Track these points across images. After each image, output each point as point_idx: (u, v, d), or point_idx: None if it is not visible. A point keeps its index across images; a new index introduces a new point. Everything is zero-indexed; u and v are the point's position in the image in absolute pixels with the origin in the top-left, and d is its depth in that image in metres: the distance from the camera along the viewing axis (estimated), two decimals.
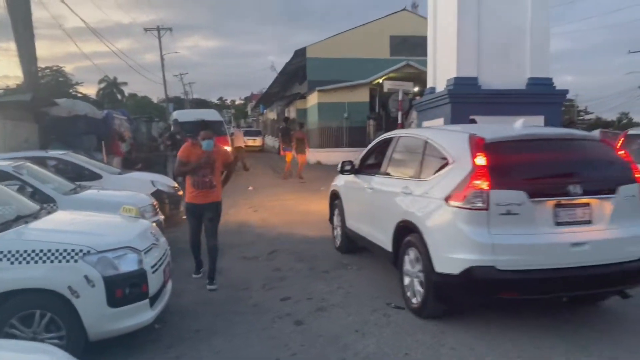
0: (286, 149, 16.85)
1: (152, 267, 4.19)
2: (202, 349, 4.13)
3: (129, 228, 4.56)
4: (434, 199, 4.57)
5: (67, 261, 3.76)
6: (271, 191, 13.75)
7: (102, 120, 14.20)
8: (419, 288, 4.66)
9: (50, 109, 13.14)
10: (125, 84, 56.26)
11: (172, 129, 18.83)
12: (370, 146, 6.96)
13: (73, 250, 3.79)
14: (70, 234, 4.13)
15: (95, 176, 8.45)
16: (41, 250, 3.73)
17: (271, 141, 38.07)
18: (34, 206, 4.75)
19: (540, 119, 12.15)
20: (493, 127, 5.50)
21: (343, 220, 6.96)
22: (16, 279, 3.68)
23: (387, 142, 6.20)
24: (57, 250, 3.75)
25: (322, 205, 8.89)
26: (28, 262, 3.69)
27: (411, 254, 4.80)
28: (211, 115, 18.26)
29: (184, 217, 6.61)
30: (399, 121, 16.08)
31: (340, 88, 26.50)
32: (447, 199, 4.38)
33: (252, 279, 5.99)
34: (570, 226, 4.26)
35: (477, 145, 4.41)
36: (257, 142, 36.20)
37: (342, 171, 6.78)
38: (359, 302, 5.10)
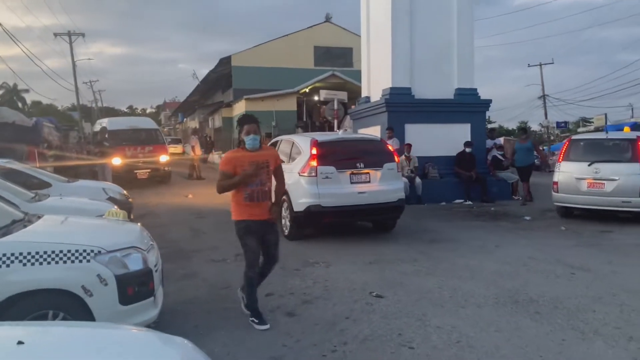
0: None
1: (155, 266, 4.34)
2: (207, 342, 4.31)
3: (127, 230, 4.66)
4: (294, 173, 8.22)
5: (80, 261, 3.83)
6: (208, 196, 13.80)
7: (31, 128, 13.58)
8: (287, 223, 8.37)
9: None
10: (26, 91, 52.82)
11: (98, 137, 18.24)
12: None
13: (84, 250, 3.87)
14: (77, 235, 4.18)
15: (44, 184, 8.23)
16: (53, 252, 3.78)
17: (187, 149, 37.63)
18: (19, 212, 4.70)
19: (467, 126, 13.25)
20: (325, 134, 10.55)
21: None
22: (30, 280, 3.70)
23: (276, 142, 9.95)
24: (69, 251, 3.82)
25: None
26: (41, 264, 3.73)
27: (284, 205, 8.32)
28: (146, 123, 17.91)
29: None
30: (335, 128, 16.71)
31: (267, 97, 26.80)
32: (299, 172, 8.18)
33: (229, 279, 6.16)
34: (359, 184, 8.11)
35: (314, 143, 8.20)
36: (177, 149, 35.68)
37: None
38: (339, 294, 5.49)
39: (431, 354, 3.96)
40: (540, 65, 43.84)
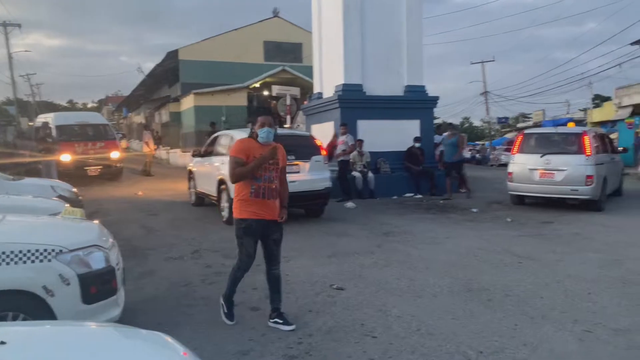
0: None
1: (117, 264, 4.29)
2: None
3: (87, 228, 4.57)
4: None
5: (41, 261, 3.74)
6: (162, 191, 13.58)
7: None
8: (226, 212, 9.16)
9: None
10: None
11: (40, 133, 17.49)
12: (208, 140, 11.36)
13: (45, 250, 3.78)
14: (36, 234, 4.07)
15: None
16: (12, 252, 3.67)
17: (138, 145, 36.61)
18: None
19: (416, 122, 13.60)
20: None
21: (194, 187, 11.50)
22: None
23: (216, 137, 10.86)
24: (29, 251, 3.72)
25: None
26: (0, 264, 3.63)
27: (224, 195, 9.32)
28: (96, 118, 17.32)
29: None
30: (288, 124, 16.75)
31: (217, 91, 26.48)
32: None
33: (188, 276, 6.14)
34: (289, 174, 8.08)
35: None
36: (122, 144, 34.74)
37: (193, 155, 11.84)
38: (301, 288, 5.58)
39: (394, 342, 4.12)
40: (482, 62, 45.29)
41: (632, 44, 29.76)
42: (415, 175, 13.15)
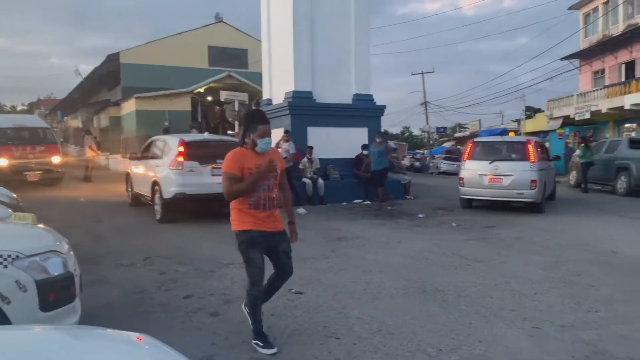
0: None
1: (75, 270, 4.17)
2: None
3: (42, 233, 4.41)
4: (165, 167, 9.99)
5: None
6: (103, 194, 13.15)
7: None
8: (159, 209, 10.02)
9: None
10: None
11: None
12: (145, 144, 11.95)
13: (1, 255, 3.64)
14: None
15: None
16: None
17: (76, 150, 35.22)
18: None
19: (364, 130, 13.88)
20: (191, 135, 13.15)
21: (131, 188, 12.10)
22: None
23: (152, 141, 11.54)
24: None
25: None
26: None
27: (157, 194, 10.04)
28: (35, 121, 16.47)
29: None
30: (236, 130, 16.61)
31: (160, 96, 25.93)
32: (169, 166, 9.87)
33: (142, 283, 6.01)
34: (218, 176, 8.75)
35: (181, 142, 9.96)
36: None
37: (130, 158, 12.48)
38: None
39: (357, 342, 4.21)
40: (422, 73, 46.69)
41: (561, 59, 31.66)
42: (364, 182, 13.40)
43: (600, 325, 4.60)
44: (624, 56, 27.29)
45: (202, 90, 26.94)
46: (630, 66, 27.16)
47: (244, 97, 16.69)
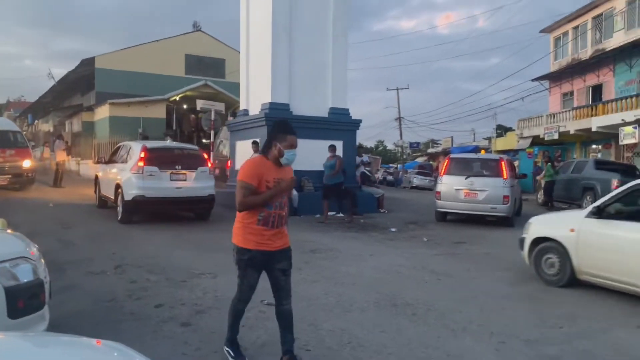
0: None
1: (45, 277, 4.12)
2: None
3: (12, 239, 4.35)
4: (127, 170, 10.63)
5: None
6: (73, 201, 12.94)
7: None
8: (120, 209, 10.66)
9: None
10: None
11: None
12: (114, 149, 12.85)
13: None
14: None
15: None
16: None
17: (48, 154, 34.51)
18: None
19: (339, 143, 14.00)
20: (154, 142, 12.85)
21: (99, 191, 12.70)
22: None
23: (119, 146, 12.41)
24: None
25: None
26: None
27: (120, 196, 10.58)
28: (5, 124, 16.10)
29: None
30: (211, 139, 16.59)
31: (134, 102, 25.68)
32: (130, 169, 10.53)
33: (113, 291, 5.95)
34: (177, 181, 10.59)
35: (143, 148, 10.71)
36: (46, 154, 32.65)
37: (98, 162, 13.68)
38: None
39: (327, 354, 4.27)
40: (397, 89, 47.34)
41: (532, 80, 32.51)
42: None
43: (563, 341, 4.74)
44: (591, 80, 28.16)
45: (177, 98, 26.78)
46: (597, 89, 28.04)
47: (221, 106, 16.69)
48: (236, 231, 3.86)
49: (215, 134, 17.59)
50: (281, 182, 3.71)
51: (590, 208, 6.30)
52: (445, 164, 12.91)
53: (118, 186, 10.82)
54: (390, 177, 38.43)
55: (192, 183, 10.73)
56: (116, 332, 4.64)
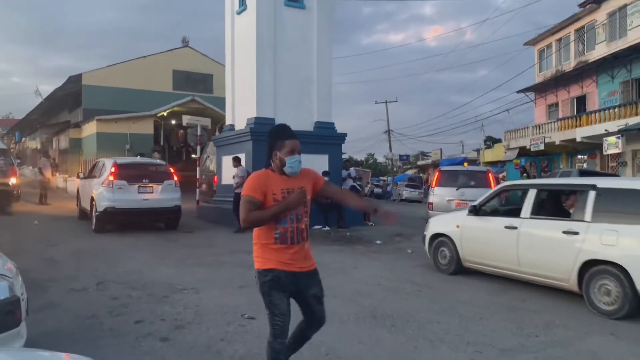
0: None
1: (21, 294, 4.14)
2: None
3: None
4: (100, 184, 11.67)
5: None
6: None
7: None
8: (94, 220, 11.68)
9: None
10: None
11: None
12: (92, 165, 13.81)
13: None
14: None
15: None
16: None
17: (32, 173, 34.31)
18: None
19: (325, 157, 14.10)
20: (125, 158, 14.60)
21: (80, 204, 13.65)
22: None
23: (96, 162, 13.35)
24: None
25: None
26: None
27: (94, 208, 11.60)
28: None
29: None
30: (198, 154, 16.62)
31: (122, 118, 25.69)
32: (102, 183, 11.62)
33: (93, 308, 5.94)
34: (144, 194, 11.73)
35: (114, 164, 11.81)
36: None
37: (78, 177, 14.72)
38: (211, 318, 5.60)
39: None
40: (386, 102, 47.67)
41: (517, 92, 32.95)
42: (324, 208, 13.54)
43: (538, 349, 4.81)
44: (575, 91, 28.60)
45: (165, 113, 26.84)
46: (581, 100, 28.47)
47: (207, 122, 16.76)
48: (255, 255, 3.42)
49: (202, 149, 17.64)
50: (287, 193, 3.34)
51: (469, 207, 7.78)
52: (436, 176, 13.68)
53: (92, 199, 11.87)
54: (378, 190, 38.56)
55: (159, 195, 11.86)
56: (95, 349, 4.66)
